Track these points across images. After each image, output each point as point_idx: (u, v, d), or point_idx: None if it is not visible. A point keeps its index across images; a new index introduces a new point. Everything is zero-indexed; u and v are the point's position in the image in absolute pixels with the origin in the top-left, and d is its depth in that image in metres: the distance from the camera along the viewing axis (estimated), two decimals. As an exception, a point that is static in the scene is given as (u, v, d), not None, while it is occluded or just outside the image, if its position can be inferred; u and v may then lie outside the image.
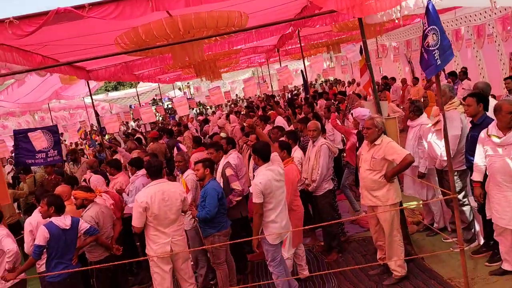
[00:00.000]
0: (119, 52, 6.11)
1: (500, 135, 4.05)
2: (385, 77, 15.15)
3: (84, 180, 6.69)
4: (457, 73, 11.10)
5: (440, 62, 3.64)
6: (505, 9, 9.95)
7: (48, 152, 7.87)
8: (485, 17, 11.08)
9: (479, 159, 4.34)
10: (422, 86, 12.86)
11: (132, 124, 22.31)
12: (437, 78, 3.92)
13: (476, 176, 4.38)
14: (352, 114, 6.16)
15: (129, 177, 6.37)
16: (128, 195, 5.83)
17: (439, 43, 3.59)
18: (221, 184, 5.24)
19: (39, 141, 7.56)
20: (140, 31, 6.00)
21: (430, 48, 3.63)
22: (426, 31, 3.66)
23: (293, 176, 4.92)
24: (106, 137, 13.53)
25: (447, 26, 12.71)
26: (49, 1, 12.76)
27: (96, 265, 4.80)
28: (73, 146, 15.57)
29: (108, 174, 6.76)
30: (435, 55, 3.62)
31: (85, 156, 11.25)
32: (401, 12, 4.30)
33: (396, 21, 4.57)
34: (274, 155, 4.53)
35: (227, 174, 5.26)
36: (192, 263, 5.24)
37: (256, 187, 4.23)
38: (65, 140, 16.00)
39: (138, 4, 4.85)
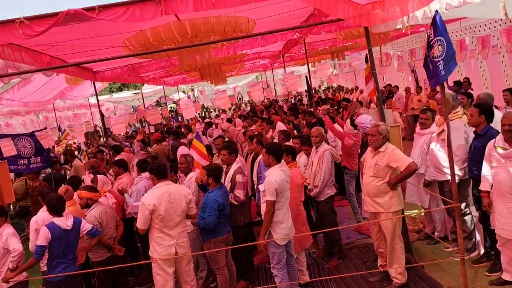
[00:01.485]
0: (127, 54, 6.19)
1: (506, 147, 4.10)
2: (389, 85, 15.20)
3: (83, 180, 6.72)
4: (462, 82, 11.14)
5: (444, 72, 3.68)
6: (510, 21, 10.00)
7: (30, 159, 7.79)
8: (490, 28, 11.14)
9: (486, 169, 4.36)
10: (426, 95, 12.90)
11: (136, 125, 22.35)
12: (442, 88, 3.96)
13: (484, 186, 4.39)
14: (348, 121, 6.21)
15: (133, 178, 6.43)
16: (130, 196, 5.87)
17: (444, 54, 3.63)
18: (228, 189, 5.23)
19: (8, 149, 7.43)
20: (148, 34, 6.06)
21: (435, 59, 3.67)
22: (432, 41, 3.70)
23: (297, 180, 4.97)
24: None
25: (452, 36, 12.76)
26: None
27: (98, 264, 4.84)
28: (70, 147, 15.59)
29: (113, 174, 6.79)
30: (440, 66, 3.66)
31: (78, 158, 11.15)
32: (408, 22, 4.34)
33: (403, 30, 4.60)
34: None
35: (237, 180, 5.23)
36: (192, 265, 5.28)
37: (272, 184, 4.29)
38: (66, 141, 16.01)
39: (147, 7, 4.91)
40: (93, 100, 17.88)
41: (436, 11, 3.65)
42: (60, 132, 13.00)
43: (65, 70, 7.62)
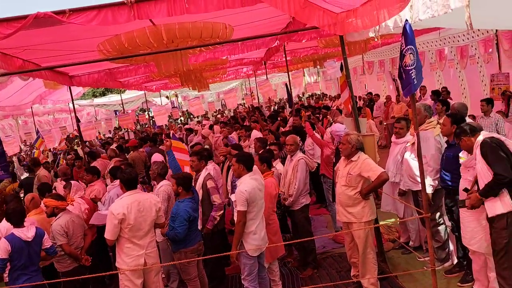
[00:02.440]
0: (101, 59, 6.08)
1: (465, 156, 4.14)
2: (370, 93, 15.31)
3: (54, 188, 6.56)
4: (440, 92, 11.26)
5: (416, 81, 3.67)
6: (488, 32, 10.17)
7: None
8: (468, 38, 11.32)
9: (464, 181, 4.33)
10: (406, 103, 13.00)
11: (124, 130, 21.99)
12: (412, 97, 3.95)
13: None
14: (328, 129, 6.18)
15: (106, 185, 6.29)
16: (103, 204, 5.73)
17: (415, 63, 3.63)
18: (200, 196, 5.16)
19: None
20: (123, 38, 5.96)
21: (407, 68, 3.66)
22: (404, 50, 3.70)
23: (271, 190, 4.90)
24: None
25: (431, 45, 12.94)
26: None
27: (65, 275, 4.69)
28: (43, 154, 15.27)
29: (84, 181, 6.63)
30: (412, 74, 3.65)
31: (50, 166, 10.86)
32: (379, 31, 4.34)
33: (376, 39, 4.61)
34: (255, 167, 4.56)
35: (208, 186, 5.19)
36: (163, 276, 5.16)
37: (242, 194, 4.21)
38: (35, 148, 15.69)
39: (120, 11, 4.82)
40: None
41: (406, 20, 3.64)
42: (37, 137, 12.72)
43: (40, 74, 7.47)
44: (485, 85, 11.36)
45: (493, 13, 3.97)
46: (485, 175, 3.68)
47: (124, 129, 16.52)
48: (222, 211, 5.22)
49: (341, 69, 5.75)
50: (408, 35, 3.62)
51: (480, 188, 3.72)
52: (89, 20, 4.80)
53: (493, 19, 4.62)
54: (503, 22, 5.03)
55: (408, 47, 3.64)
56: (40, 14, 4.64)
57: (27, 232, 4.23)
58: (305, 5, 4.80)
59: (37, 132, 13.53)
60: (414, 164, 5.07)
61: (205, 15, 5.54)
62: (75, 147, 14.60)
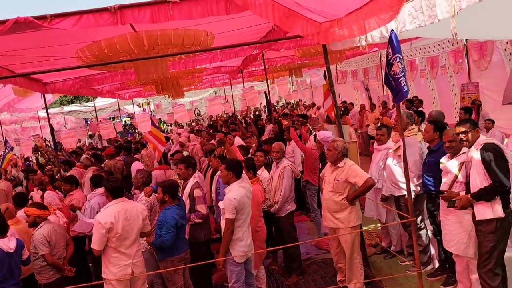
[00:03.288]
0: (80, 65, 5.97)
1: (445, 161, 4.28)
2: (344, 102, 15.60)
3: (31, 198, 6.33)
4: (413, 100, 11.58)
5: (407, 88, 3.77)
6: (457, 43, 10.58)
7: None
8: (438, 49, 11.74)
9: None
10: (379, 112, 13.31)
11: (88, 140, 21.49)
12: (398, 106, 4.05)
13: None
14: (312, 137, 6.25)
15: (85, 195, 6.12)
16: (83, 213, 5.57)
17: (404, 70, 3.73)
18: (187, 204, 5.08)
19: None
20: (103, 45, 5.86)
21: (397, 76, 3.74)
22: (392, 59, 3.77)
23: (258, 197, 4.89)
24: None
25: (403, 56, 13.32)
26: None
27: (47, 287, 4.53)
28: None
29: (63, 191, 6.44)
30: (402, 82, 3.74)
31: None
32: (366, 40, 4.44)
33: (361, 48, 4.72)
34: (244, 174, 4.54)
35: (195, 195, 5.09)
36: (147, 286, 5.05)
37: (231, 202, 4.18)
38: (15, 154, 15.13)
39: (102, 16, 4.75)
40: (43, 113, 17.11)
41: (392, 30, 3.74)
42: (6, 149, 12.20)
43: (14, 81, 7.24)
44: (455, 94, 11.78)
45: (477, 23, 4.13)
46: (479, 178, 3.76)
47: (97, 137, 16.17)
48: (201, 220, 5.11)
49: (325, 77, 5.85)
50: (394, 44, 3.72)
51: (471, 190, 3.82)
52: (71, 25, 4.70)
53: (476, 30, 4.81)
54: (487, 32, 5.23)
55: (396, 56, 3.74)
56: (20, 19, 4.52)
57: (8, 243, 4.07)
58: (289, 14, 4.86)
59: (5, 142, 13.02)
60: (397, 170, 5.20)
61: (187, 22, 5.52)
62: (39, 158, 14.10)
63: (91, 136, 21.89)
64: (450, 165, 4.17)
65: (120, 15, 4.79)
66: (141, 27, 5.72)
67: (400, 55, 3.64)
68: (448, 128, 4.90)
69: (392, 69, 3.67)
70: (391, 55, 3.69)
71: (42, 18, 4.59)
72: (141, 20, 4.84)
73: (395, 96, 3.82)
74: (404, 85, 3.64)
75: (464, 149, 4.13)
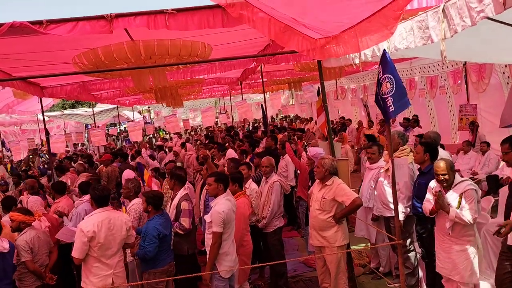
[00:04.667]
0: (77, 71, 5.97)
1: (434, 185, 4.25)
2: (342, 118, 15.61)
3: (20, 202, 6.29)
4: (410, 119, 11.59)
5: (393, 108, 3.74)
6: (457, 64, 10.60)
7: None
8: (438, 69, 11.76)
9: (427, 202, 4.38)
10: (377, 129, 13.29)
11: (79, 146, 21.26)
12: (388, 125, 4.02)
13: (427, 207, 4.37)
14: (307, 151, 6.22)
15: (73, 201, 6.07)
16: (70, 220, 5.52)
17: (393, 90, 3.70)
18: (173, 216, 5.02)
19: None
20: (100, 52, 5.88)
21: (384, 96, 3.73)
22: (381, 79, 3.77)
23: (244, 210, 4.84)
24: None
25: (402, 75, 13.37)
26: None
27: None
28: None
29: (51, 197, 6.40)
30: (388, 102, 3.72)
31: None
32: (359, 58, 4.44)
33: (354, 66, 4.71)
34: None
35: (182, 207, 5.02)
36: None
37: (219, 215, 4.14)
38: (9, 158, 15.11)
39: (98, 24, 4.75)
40: (41, 116, 17.08)
41: (384, 49, 3.73)
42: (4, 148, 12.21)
43: (11, 83, 7.24)
44: (453, 115, 11.77)
45: (465, 46, 4.13)
46: None
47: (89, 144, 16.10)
48: (182, 232, 5.03)
49: (318, 93, 5.83)
50: (386, 64, 3.70)
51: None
52: (67, 31, 4.70)
53: (463, 53, 4.80)
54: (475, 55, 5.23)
55: (386, 75, 3.72)
56: (15, 24, 4.52)
57: (2, 243, 4.08)
58: (285, 29, 4.86)
59: (3, 144, 13.02)
60: (387, 190, 5.15)
61: (185, 33, 5.53)
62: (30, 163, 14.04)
63: (76, 145, 21.69)
64: (449, 197, 4.11)
65: (115, 24, 4.80)
66: (138, 36, 5.74)
67: (390, 75, 3.61)
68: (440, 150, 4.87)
69: (381, 88, 3.66)
70: (381, 75, 3.68)
71: (38, 23, 4.60)
72: (137, 26, 4.84)
73: (384, 116, 3.80)
74: (391, 105, 3.61)
75: (458, 178, 4.12)
